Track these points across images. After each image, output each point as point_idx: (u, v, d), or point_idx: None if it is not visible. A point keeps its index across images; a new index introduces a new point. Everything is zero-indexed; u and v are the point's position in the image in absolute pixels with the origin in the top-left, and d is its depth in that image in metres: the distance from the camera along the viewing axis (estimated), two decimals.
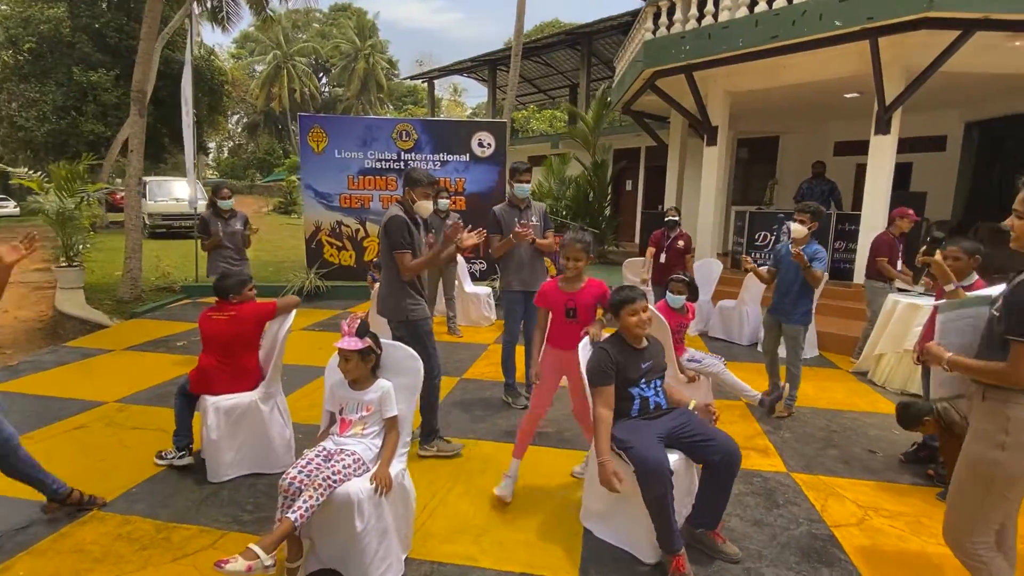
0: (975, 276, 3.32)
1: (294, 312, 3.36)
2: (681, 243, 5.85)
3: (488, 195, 8.27)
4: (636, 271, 6.80)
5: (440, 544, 2.54)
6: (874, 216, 6.73)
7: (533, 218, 4.15)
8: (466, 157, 8.34)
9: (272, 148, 40.81)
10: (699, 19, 7.25)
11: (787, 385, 4.23)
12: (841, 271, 7.45)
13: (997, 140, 9.35)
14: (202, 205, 16.12)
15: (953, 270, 3.34)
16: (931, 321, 3.53)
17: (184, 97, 9.12)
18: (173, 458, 3.17)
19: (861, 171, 10.32)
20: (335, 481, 2.14)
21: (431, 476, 3.15)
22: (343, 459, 2.25)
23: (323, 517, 2.15)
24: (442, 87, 48.38)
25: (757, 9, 6.67)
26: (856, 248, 7.09)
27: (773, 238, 8.22)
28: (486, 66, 18.58)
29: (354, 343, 2.38)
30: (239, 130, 45.83)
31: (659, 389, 2.61)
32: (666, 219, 6.11)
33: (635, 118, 10.49)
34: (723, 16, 6.96)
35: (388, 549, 2.22)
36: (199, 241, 5.54)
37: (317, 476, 2.13)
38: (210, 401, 3.02)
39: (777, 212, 8.35)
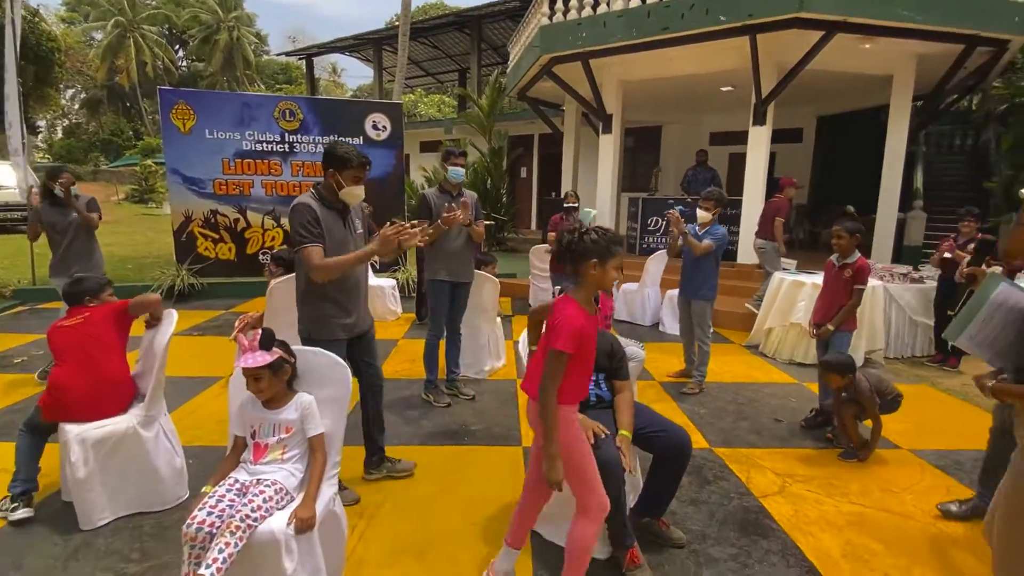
0: (857, 254, 3.65)
1: (175, 318, 2.84)
2: None
3: (386, 180, 7.83)
4: (543, 258, 6.80)
5: (378, 570, 2.28)
6: (754, 200, 7.31)
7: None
8: (359, 140, 7.79)
9: (119, 128, 35.81)
10: (594, 6, 7.34)
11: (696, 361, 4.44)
12: (727, 253, 8.00)
13: (842, 133, 10.61)
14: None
15: (838, 249, 3.66)
16: (821, 297, 3.86)
17: (7, 64, 7.58)
18: (5, 510, 2.52)
19: (733, 159, 11.29)
20: (255, 519, 1.80)
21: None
22: (262, 491, 1.90)
23: (244, 563, 1.80)
24: (319, 66, 45.52)
25: (649, 0, 6.88)
26: (739, 231, 7.65)
27: (665, 223, 8.65)
28: (371, 45, 17.65)
29: (260, 358, 2.01)
30: (76, 107, 39.72)
31: (602, 382, 2.54)
32: (565, 205, 6.11)
33: (531, 104, 10.50)
34: (617, 5, 7.10)
35: None
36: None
37: (232, 517, 1.77)
38: (73, 433, 2.46)
39: (667, 199, 8.80)
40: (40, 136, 37.79)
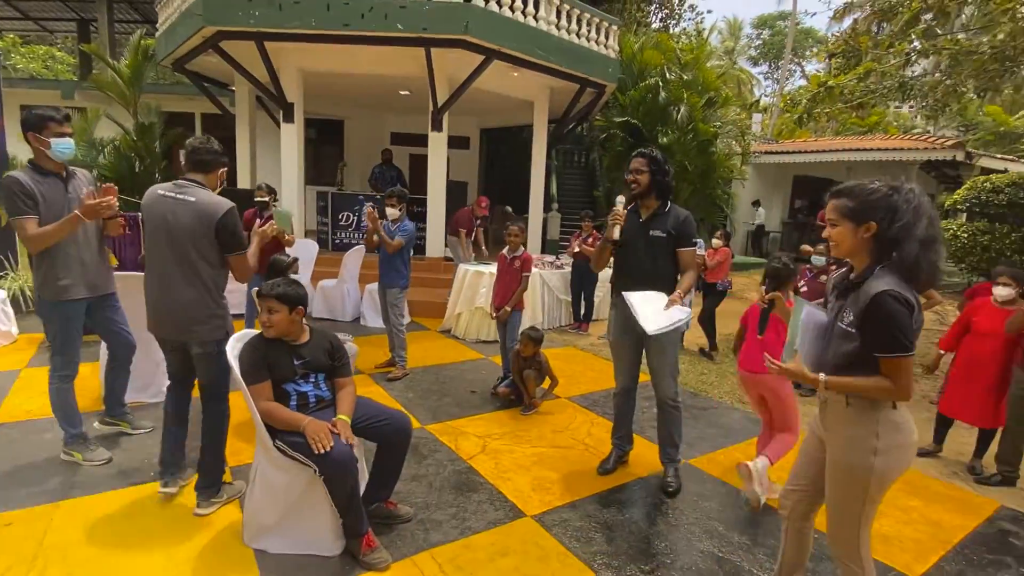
0: (523, 248, 4.47)
1: None
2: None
3: None
4: None
5: None
6: (437, 198, 8.05)
7: (83, 189, 2.84)
8: None
9: None
10: None
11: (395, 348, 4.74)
12: (416, 247, 8.60)
13: (500, 145, 12.53)
14: None
15: (510, 244, 4.43)
16: (498, 284, 4.59)
17: None
18: None
19: (414, 160, 12.10)
20: None
21: None
22: None
23: None
24: None
25: None
26: (426, 227, 8.30)
27: (356, 218, 8.74)
28: None
29: None
30: None
31: (322, 382, 2.51)
32: (256, 199, 5.57)
33: (192, 79, 9.10)
34: None
35: None
36: None
37: None
38: None
39: (357, 194, 8.91)
40: None
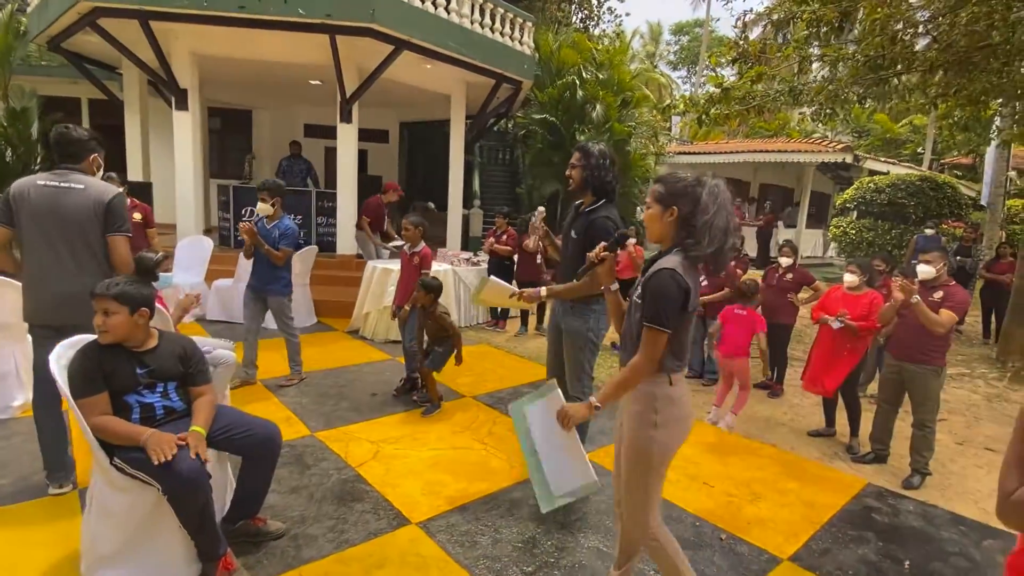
0: (423, 244, 4.34)
1: None
2: (138, 215, 5.07)
3: None
4: None
5: None
6: (348, 192, 7.71)
7: None
8: None
9: None
10: None
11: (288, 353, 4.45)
12: (326, 244, 8.23)
13: (420, 139, 12.25)
14: None
15: (406, 239, 4.29)
16: (399, 281, 4.43)
17: None
18: None
19: (329, 153, 11.61)
20: None
21: None
22: None
23: None
24: None
25: None
26: (336, 223, 7.95)
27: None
28: None
29: None
30: None
31: (172, 391, 2.27)
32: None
33: (71, 60, 8.27)
34: None
35: None
36: None
37: None
38: None
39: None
40: None
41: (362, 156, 12.38)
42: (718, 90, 5.65)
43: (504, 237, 6.65)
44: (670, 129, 19.25)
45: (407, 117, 12.11)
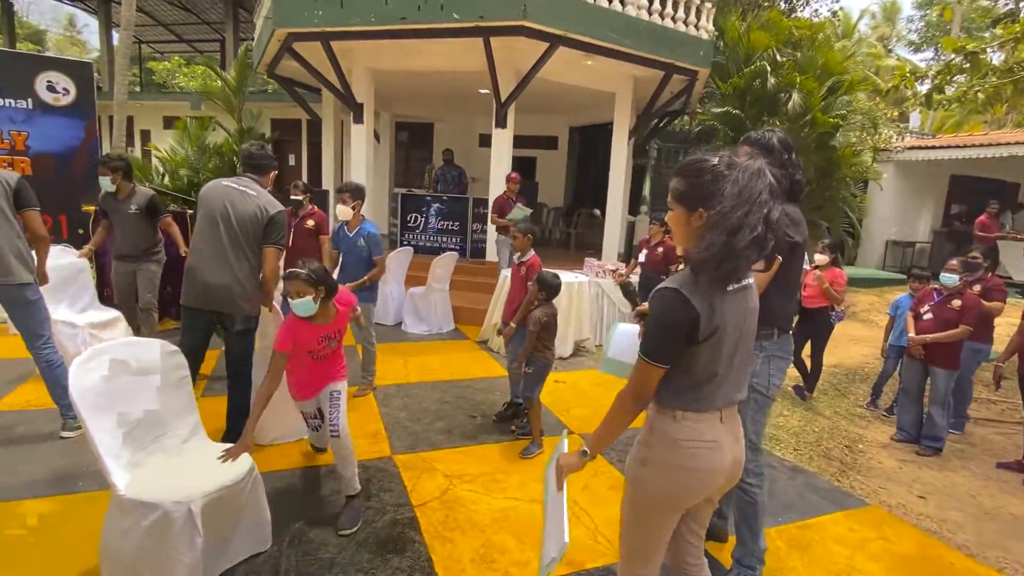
0: (532, 252, 3.81)
1: None
2: (311, 223, 5.37)
3: (68, 157, 6.29)
4: None
5: None
6: None
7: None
8: (27, 103, 6.14)
9: None
10: None
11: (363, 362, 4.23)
12: (478, 250, 8.21)
13: (589, 143, 11.75)
14: None
15: (515, 247, 3.79)
16: (508, 294, 3.96)
17: None
18: None
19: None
20: None
21: None
22: None
23: None
24: (46, 16, 36.78)
25: None
26: (486, 229, 7.85)
27: (423, 220, 8.56)
28: None
29: None
30: None
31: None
32: (291, 198, 5.38)
33: (283, 85, 9.54)
34: None
35: None
36: None
37: None
38: None
39: (425, 195, 8.71)
40: None
41: (529, 163, 12.36)
42: (959, 57, 4.07)
43: (659, 249, 5.78)
44: (907, 121, 15.73)
45: (576, 121, 11.71)
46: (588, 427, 3.84)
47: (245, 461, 2.22)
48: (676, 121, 11.27)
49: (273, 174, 3.03)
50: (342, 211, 3.92)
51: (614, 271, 6.43)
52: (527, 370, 3.44)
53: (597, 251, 8.70)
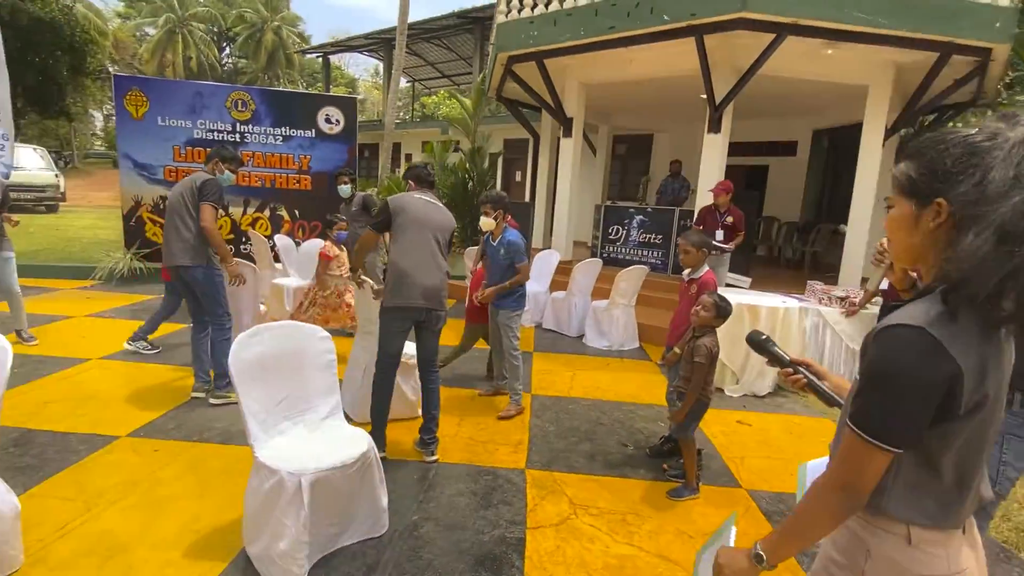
0: (705, 267, 3.31)
1: None
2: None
3: (333, 174, 7.78)
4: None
5: (48, 572, 2.13)
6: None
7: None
8: (311, 133, 7.78)
9: None
10: (547, 3, 7.10)
11: (509, 378, 4.02)
12: (677, 265, 7.60)
13: (836, 148, 9.97)
14: (29, 175, 14.45)
15: (684, 263, 3.33)
16: (675, 315, 3.50)
17: None
18: None
19: (730, 171, 10.77)
20: None
21: (107, 483, 2.72)
22: None
23: None
24: (359, 67, 46.54)
25: None
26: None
27: (624, 232, 8.31)
28: (382, 45, 17.83)
29: None
30: None
31: None
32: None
33: (508, 106, 10.29)
34: (568, 3, 6.84)
35: None
36: None
37: None
38: None
39: (628, 207, 8.45)
40: (99, 125, 40.02)
41: (759, 172, 11.05)
42: None
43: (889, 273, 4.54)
44: None
45: (821, 123, 10.06)
46: (763, 483, 3.17)
47: (360, 446, 2.35)
48: (964, 115, 8.83)
49: (436, 188, 3.47)
50: (484, 222, 3.90)
51: (843, 299, 5.27)
52: (677, 404, 2.99)
53: (837, 275, 7.31)
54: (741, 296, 5.10)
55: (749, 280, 6.80)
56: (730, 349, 4.59)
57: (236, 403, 3.35)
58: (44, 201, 14.83)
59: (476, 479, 3.00)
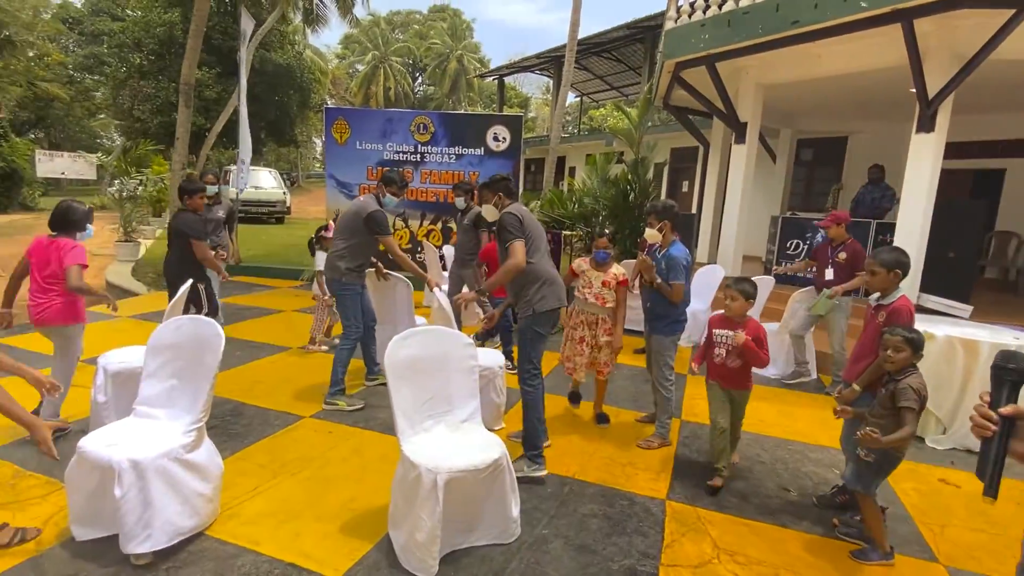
0: (900, 291, 2.78)
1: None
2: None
3: None
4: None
5: (239, 525, 2.54)
6: (910, 224, 5.86)
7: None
8: (480, 151, 8.31)
9: None
10: (720, 5, 6.66)
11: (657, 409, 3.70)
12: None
13: None
14: (264, 193, 17.60)
15: (872, 286, 2.84)
16: (855, 347, 2.99)
17: (239, 91, 9.88)
18: None
19: (946, 175, 9.04)
20: None
21: (289, 456, 3.18)
22: None
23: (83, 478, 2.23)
24: (532, 86, 48.59)
25: None
26: None
27: (806, 246, 7.42)
28: (552, 63, 18.38)
29: None
30: None
31: None
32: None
33: (676, 115, 9.89)
34: (744, 1, 6.35)
35: (151, 520, 2.24)
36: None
37: None
38: None
39: (811, 219, 7.52)
40: (318, 150, 47.61)
41: (990, 177, 9.06)
42: None
43: None
44: None
45: None
46: (970, 561, 2.56)
47: (493, 452, 2.42)
48: None
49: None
50: (649, 233, 3.68)
51: None
52: (862, 454, 2.54)
53: None
54: (957, 329, 4.22)
55: (970, 308, 5.66)
56: (935, 392, 3.80)
57: (344, 410, 3.86)
58: (275, 214, 18.04)
59: (611, 502, 2.89)
